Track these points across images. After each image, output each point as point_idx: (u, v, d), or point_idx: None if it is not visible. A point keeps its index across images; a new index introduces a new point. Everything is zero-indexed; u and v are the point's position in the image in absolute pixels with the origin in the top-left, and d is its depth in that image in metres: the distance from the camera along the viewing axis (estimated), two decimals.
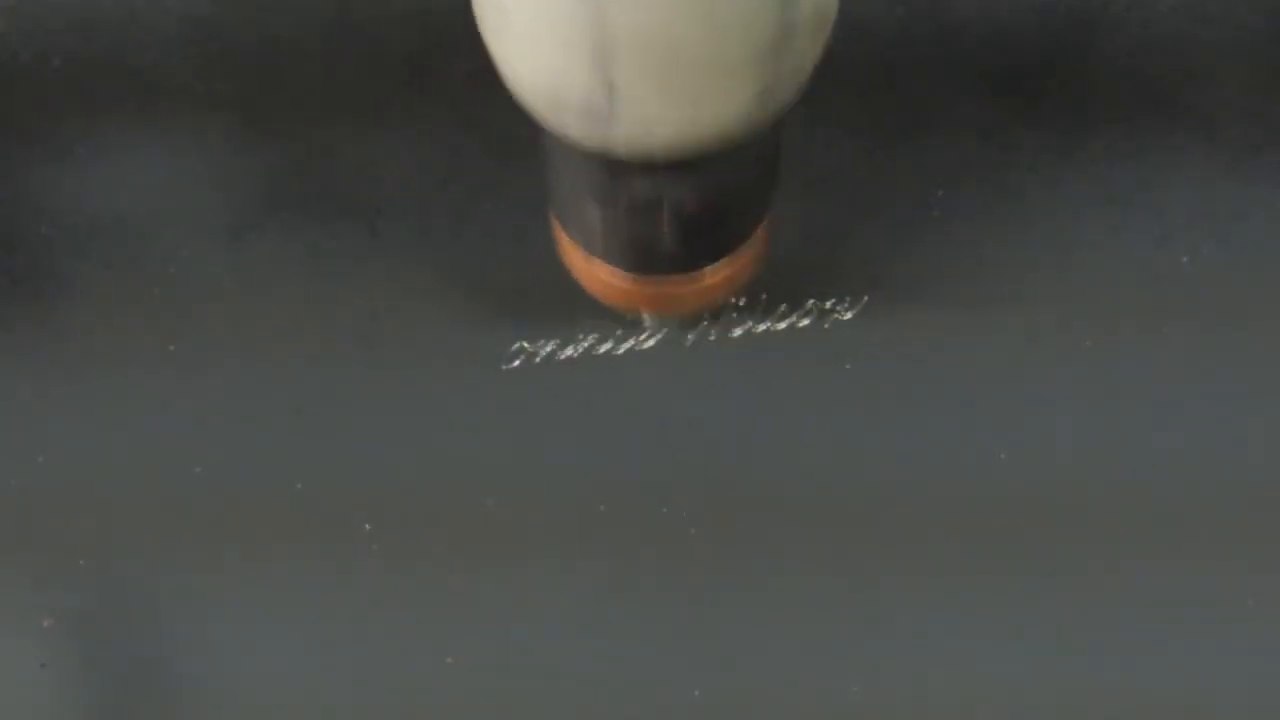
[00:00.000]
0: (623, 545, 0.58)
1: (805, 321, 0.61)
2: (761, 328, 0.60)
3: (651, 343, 0.60)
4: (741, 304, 0.60)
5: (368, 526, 0.58)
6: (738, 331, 0.60)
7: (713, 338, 0.60)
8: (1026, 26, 0.64)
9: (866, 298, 0.61)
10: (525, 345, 0.60)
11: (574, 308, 0.56)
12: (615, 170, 0.46)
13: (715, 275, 0.53)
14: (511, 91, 0.43)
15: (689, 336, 0.60)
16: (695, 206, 0.47)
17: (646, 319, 0.60)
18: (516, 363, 0.60)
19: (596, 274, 0.53)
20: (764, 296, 0.61)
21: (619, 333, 0.60)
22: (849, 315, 0.61)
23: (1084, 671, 0.56)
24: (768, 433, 0.59)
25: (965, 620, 0.57)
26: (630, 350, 0.60)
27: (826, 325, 0.61)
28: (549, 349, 0.60)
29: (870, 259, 0.62)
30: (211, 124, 0.63)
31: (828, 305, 0.61)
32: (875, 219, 0.62)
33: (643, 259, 0.51)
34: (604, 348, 0.60)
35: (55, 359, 0.60)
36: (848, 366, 0.60)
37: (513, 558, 0.58)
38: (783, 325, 0.61)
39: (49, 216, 0.62)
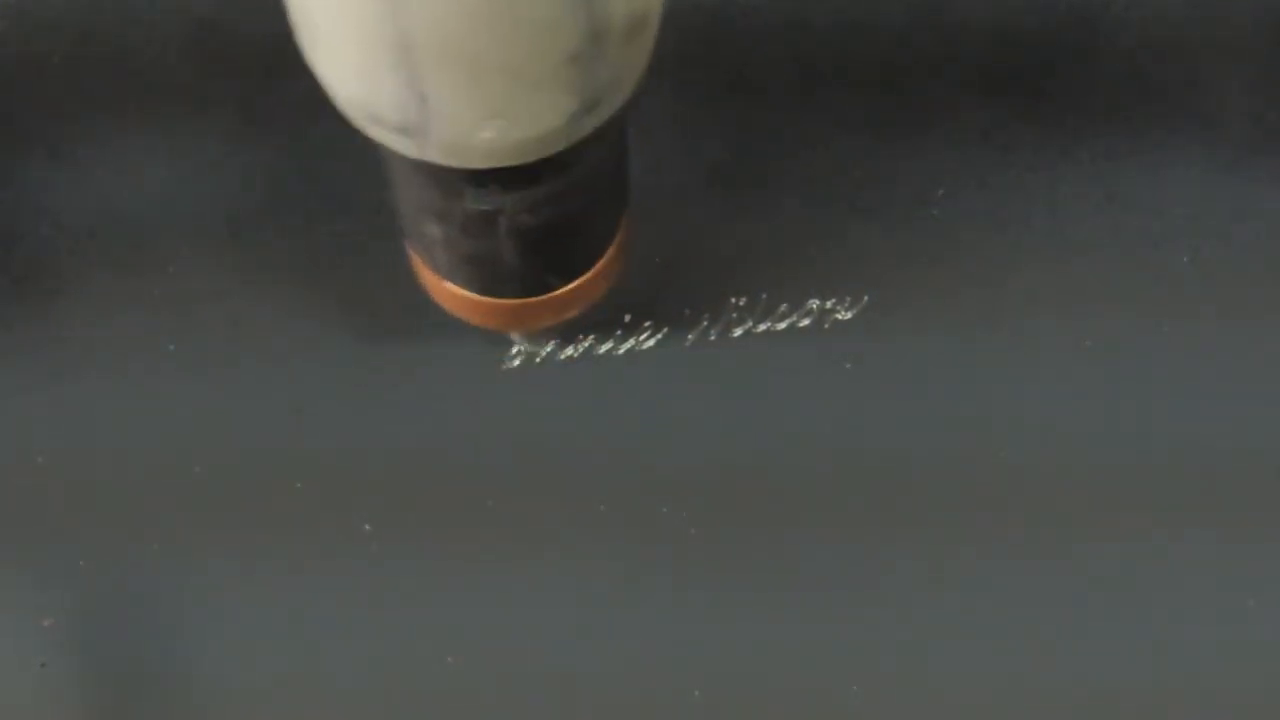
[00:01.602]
0: (623, 545, 0.58)
1: (805, 321, 0.61)
2: (761, 328, 0.60)
3: (652, 343, 0.60)
4: (741, 304, 0.60)
5: (368, 527, 0.58)
6: (738, 331, 0.60)
7: (713, 338, 0.60)
8: (1026, 26, 0.64)
9: (866, 298, 0.61)
10: (525, 345, 0.60)
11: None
12: (447, 183, 0.45)
13: (564, 291, 0.53)
14: (332, 101, 0.43)
15: (689, 337, 0.60)
16: (533, 221, 0.47)
17: (515, 337, 0.59)
18: (516, 363, 0.60)
19: (448, 290, 0.53)
20: (764, 296, 0.61)
21: (619, 333, 0.60)
22: (849, 315, 0.61)
23: (1088, 666, 0.56)
24: (768, 433, 0.59)
25: (966, 619, 0.57)
26: (630, 350, 0.60)
27: (826, 325, 0.61)
28: (549, 349, 0.60)
29: (870, 259, 0.62)
30: (211, 124, 0.63)
31: (828, 305, 0.61)
32: (875, 219, 0.62)
33: (487, 279, 0.51)
34: (604, 348, 0.60)
35: (55, 359, 0.60)
36: (848, 366, 0.60)
37: (513, 558, 0.58)
38: (783, 325, 0.61)
39: (49, 216, 0.62)
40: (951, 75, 0.64)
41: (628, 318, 0.60)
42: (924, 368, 0.60)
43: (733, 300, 0.60)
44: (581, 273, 0.53)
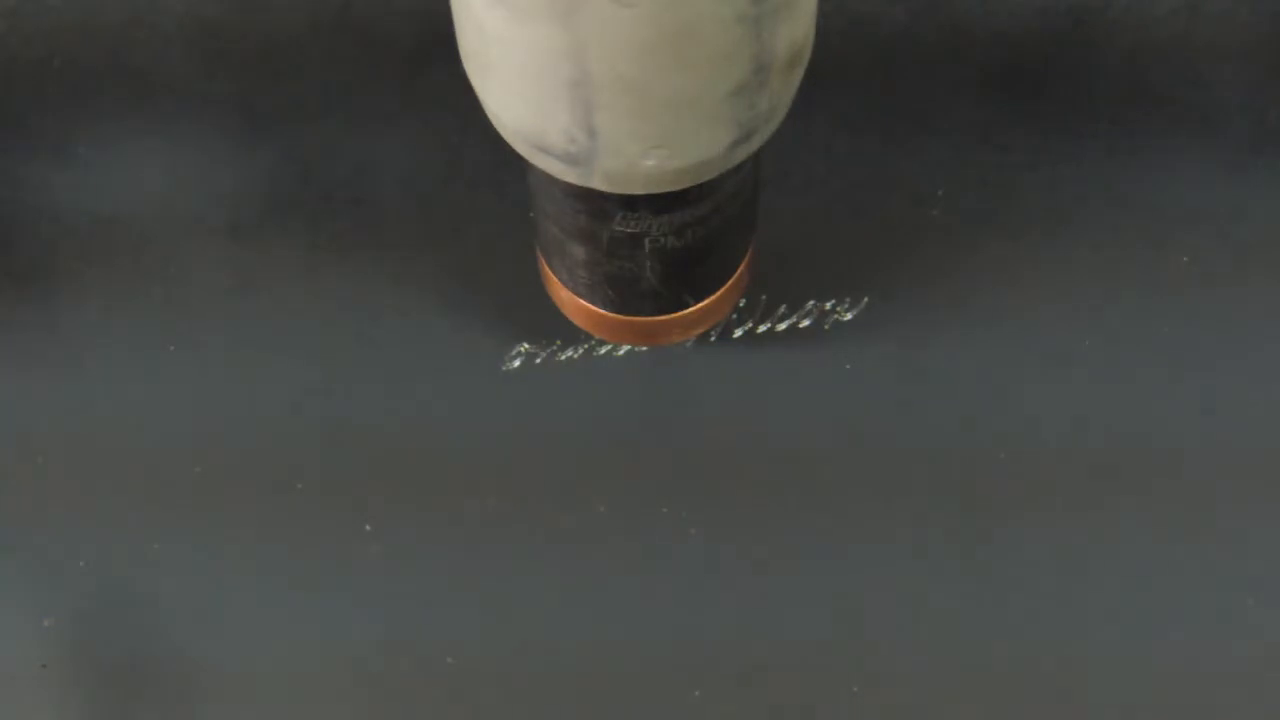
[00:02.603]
0: (623, 545, 0.58)
1: (805, 322, 0.61)
2: (762, 328, 0.60)
3: None
4: (741, 304, 0.60)
5: (368, 527, 0.58)
6: (738, 332, 0.60)
7: (713, 338, 0.60)
8: (1026, 26, 0.64)
9: (866, 298, 0.61)
10: (525, 345, 0.60)
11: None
12: (599, 207, 0.46)
13: (697, 308, 0.53)
14: (496, 127, 0.44)
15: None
16: (676, 242, 0.48)
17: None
18: (516, 363, 0.60)
19: (582, 306, 0.53)
20: (764, 297, 0.61)
21: None
22: (849, 315, 0.61)
23: (1086, 662, 0.56)
24: (768, 433, 0.59)
25: (967, 618, 0.57)
26: (630, 350, 0.60)
27: (826, 325, 0.61)
28: (549, 349, 0.60)
29: (870, 259, 0.62)
30: (211, 124, 0.63)
31: (828, 305, 0.61)
32: (875, 219, 0.62)
33: (625, 300, 0.52)
34: (604, 348, 0.60)
35: (55, 359, 0.60)
36: (848, 366, 0.60)
37: (513, 557, 0.58)
38: (783, 326, 0.61)
39: (49, 216, 0.62)
40: (951, 75, 0.64)
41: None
42: (924, 368, 0.60)
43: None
44: (714, 291, 0.54)
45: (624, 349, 0.60)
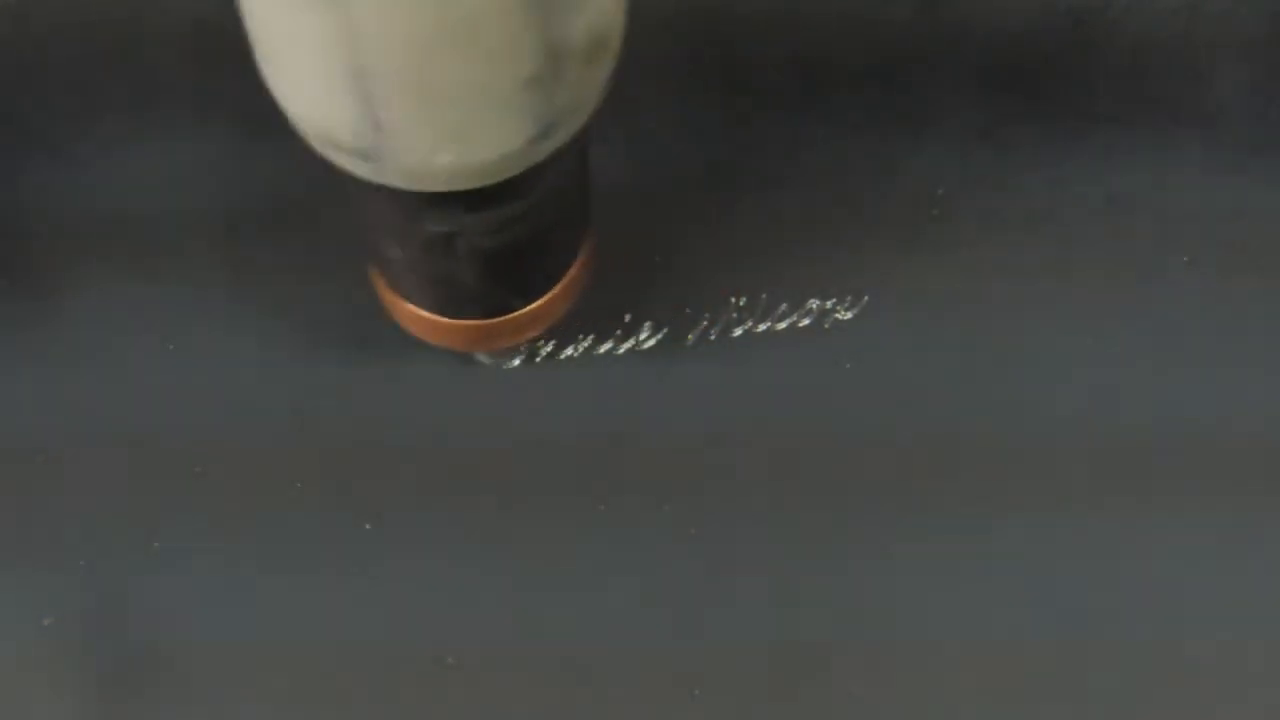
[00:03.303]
0: (623, 545, 0.58)
1: (805, 321, 0.61)
2: (761, 328, 0.60)
3: (652, 343, 0.60)
4: (742, 304, 0.60)
5: (368, 526, 0.58)
6: (738, 331, 0.60)
7: (713, 338, 0.60)
8: (1026, 26, 0.64)
9: (866, 298, 0.61)
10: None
11: (574, 307, 0.56)
12: (406, 206, 0.45)
13: (525, 311, 0.52)
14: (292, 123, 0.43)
15: (689, 336, 0.60)
16: (493, 243, 0.47)
17: (480, 356, 0.59)
18: (516, 362, 0.60)
19: (409, 310, 0.53)
20: (764, 297, 0.61)
21: (619, 333, 0.60)
22: (849, 315, 0.61)
23: (1084, 655, 0.56)
24: (768, 433, 0.59)
25: (967, 617, 0.57)
26: (630, 350, 0.60)
27: (826, 325, 0.61)
28: (549, 349, 0.60)
29: (870, 259, 0.62)
30: (211, 124, 0.63)
31: (828, 305, 0.61)
32: (875, 219, 0.62)
33: (447, 300, 0.51)
34: (604, 348, 0.60)
35: (55, 359, 0.60)
36: (848, 366, 0.60)
37: (513, 557, 0.58)
38: (783, 325, 0.61)
39: (49, 216, 0.62)
40: (951, 74, 0.64)
41: (628, 318, 0.60)
42: (924, 368, 0.60)
43: (733, 300, 0.60)
44: (542, 293, 0.53)
45: (624, 348, 0.60)
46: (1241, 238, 0.62)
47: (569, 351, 0.60)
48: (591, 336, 0.60)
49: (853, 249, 0.62)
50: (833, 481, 0.58)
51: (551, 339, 0.60)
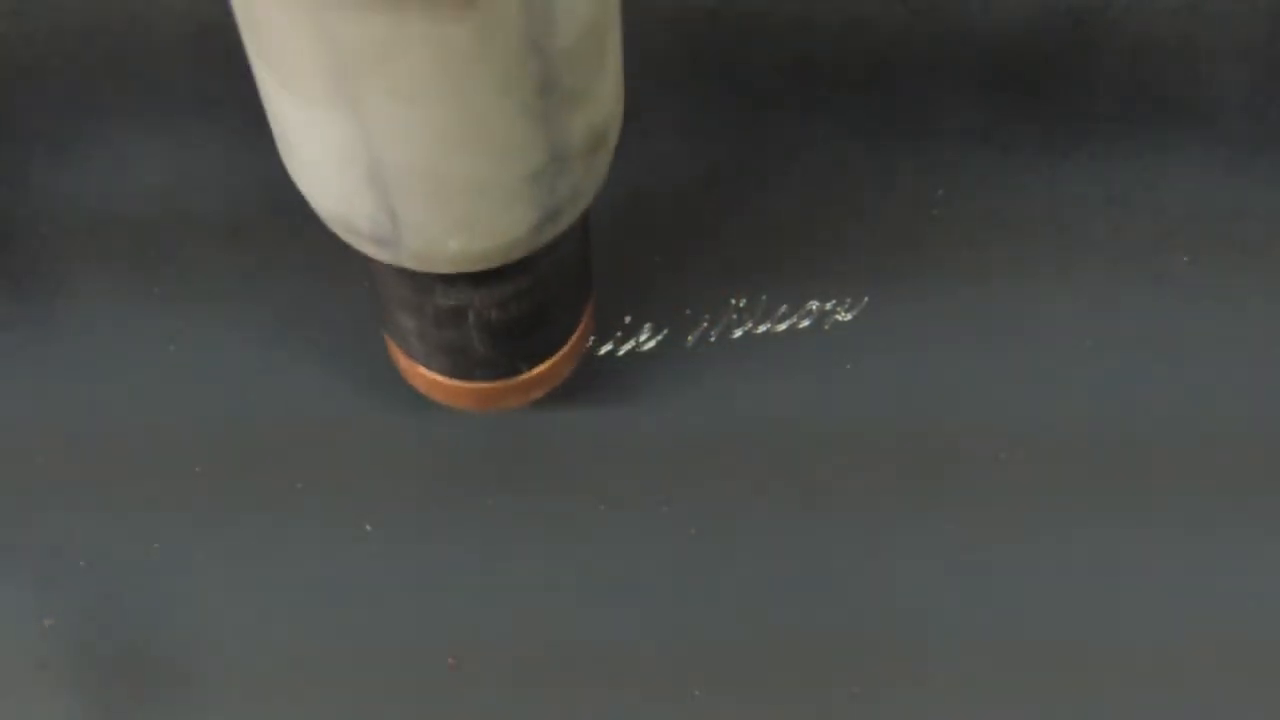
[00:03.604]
0: (623, 545, 0.58)
1: (805, 322, 0.61)
2: (761, 329, 0.60)
3: (652, 343, 0.60)
4: (742, 304, 0.60)
5: (368, 527, 0.58)
6: (738, 333, 0.60)
7: (713, 339, 0.60)
8: (1026, 26, 0.64)
9: (866, 298, 0.61)
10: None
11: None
12: (419, 282, 0.47)
13: (532, 374, 0.55)
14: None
15: (689, 337, 0.60)
16: (500, 315, 0.49)
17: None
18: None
19: (421, 373, 0.55)
20: (764, 297, 0.61)
21: (619, 333, 0.60)
22: (849, 315, 0.61)
23: (1080, 650, 0.56)
24: (768, 433, 0.59)
25: (968, 618, 0.57)
26: (631, 350, 0.60)
27: (826, 326, 0.61)
28: None
29: (870, 259, 0.62)
30: (211, 124, 0.63)
31: (828, 306, 0.61)
32: (875, 219, 0.62)
33: (458, 365, 0.53)
34: (605, 348, 0.60)
35: (55, 359, 0.60)
36: (848, 366, 0.60)
37: (513, 557, 0.58)
38: (782, 326, 0.61)
39: (49, 216, 0.62)
40: (951, 75, 0.64)
41: (628, 318, 0.60)
42: (924, 368, 0.60)
43: (733, 302, 0.60)
44: (547, 357, 0.55)
45: (624, 348, 0.60)
46: (1241, 238, 0.62)
47: None
48: (592, 337, 0.60)
49: (853, 249, 0.62)
50: (832, 482, 0.58)
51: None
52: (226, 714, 0.56)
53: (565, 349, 0.55)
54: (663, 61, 0.64)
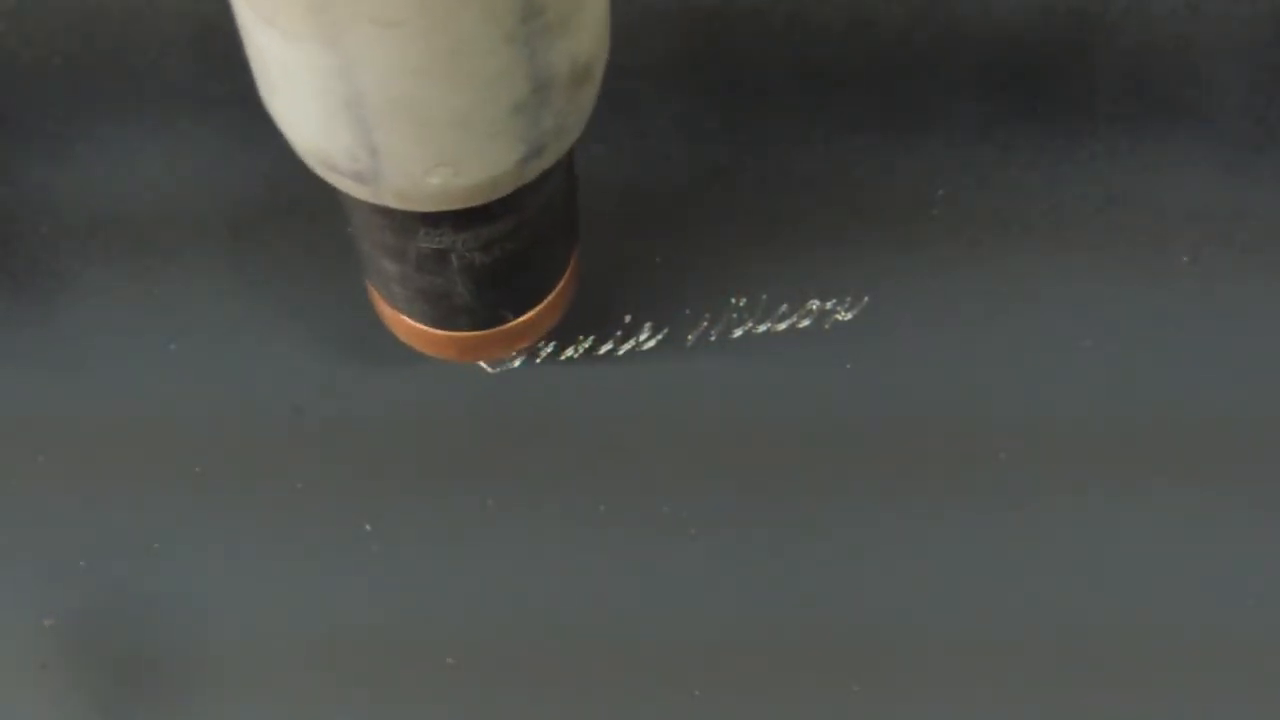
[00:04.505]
0: (623, 545, 0.58)
1: (805, 322, 0.61)
2: (761, 328, 0.60)
3: (652, 343, 0.60)
4: (742, 304, 0.60)
5: (368, 527, 0.58)
6: (738, 332, 0.60)
7: (713, 338, 0.60)
8: (1026, 26, 0.64)
9: (866, 298, 0.61)
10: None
11: (574, 308, 0.56)
12: (400, 223, 0.47)
13: (516, 323, 0.54)
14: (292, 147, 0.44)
15: (689, 337, 0.60)
16: (484, 259, 0.48)
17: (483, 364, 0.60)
18: (516, 363, 0.60)
19: (404, 322, 0.54)
20: (764, 297, 0.61)
21: (619, 333, 0.60)
22: (849, 315, 0.61)
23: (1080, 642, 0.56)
24: (767, 433, 0.59)
25: (968, 619, 0.57)
26: (630, 350, 0.60)
27: (826, 325, 0.61)
28: (549, 349, 0.60)
29: (870, 259, 0.62)
30: (211, 124, 0.63)
31: (828, 305, 0.61)
32: (875, 219, 0.62)
33: (441, 313, 0.52)
34: (604, 348, 0.60)
35: (55, 359, 0.60)
36: (848, 366, 0.60)
37: (513, 557, 0.58)
38: (783, 326, 0.61)
39: (49, 216, 0.62)
40: (951, 75, 0.64)
41: (628, 318, 0.60)
42: (924, 368, 0.60)
43: (733, 300, 0.60)
44: (533, 306, 0.54)
45: (624, 348, 0.60)
46: (1241, 238, 0.62)
47: (569, 352, 0.60)
48: (592, 337, 0.60)
49: (853, 249, 0.62)
50: (833, 482, 0.58)
51: (552, 339, 0.59)
52: (226, 714, 0.56)
53: (550, 298, 0.54)
54: (663, 61, 0.64)
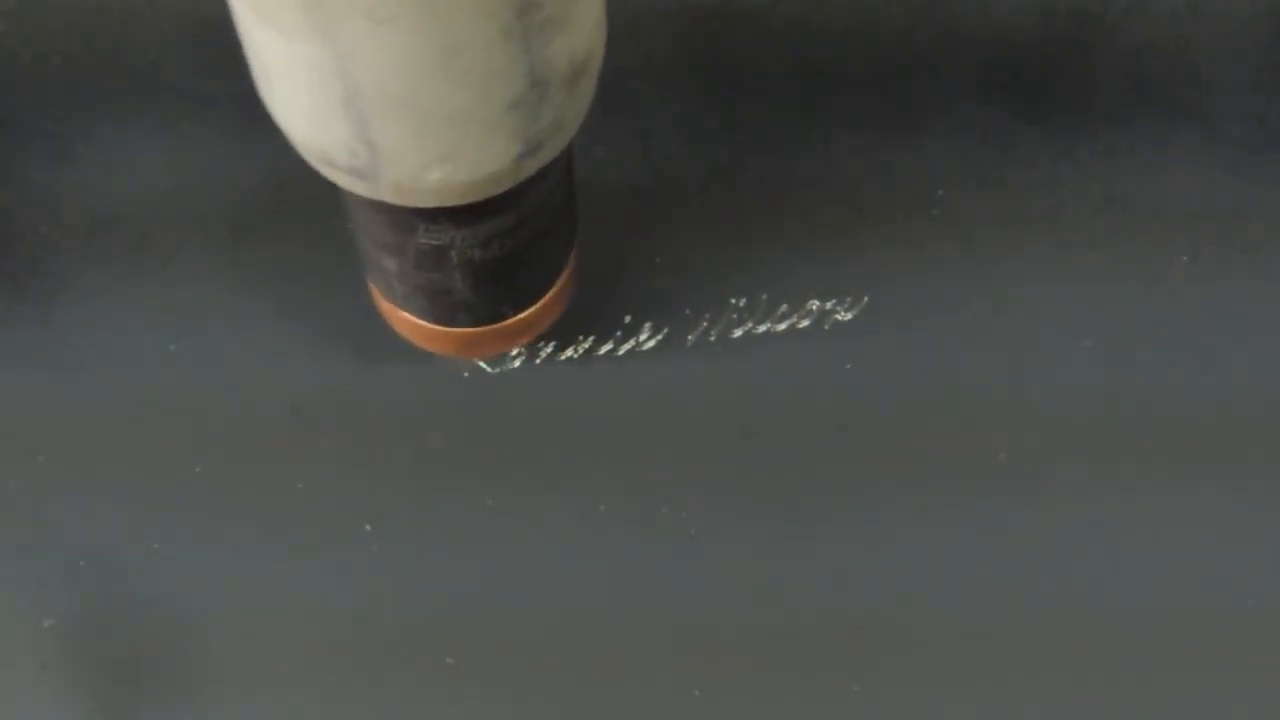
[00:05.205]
0: (623, 545, 0.58)
1: (805, 322, 0.61)
2: (761, 328, 0.60)
3: (652, 343, 0.60)
4: (741, 304, 0.60)
5: (368, 527, 0.58)
6: (738, 332, 0.60)
7: (713, 338, 0.60)
8: (1026, 26, 0.64)
9: (866, 298, 0.61)
10: (525, 345, 0.60)
11: (574, 308, 0.56)
12: (399, 220, 0.47)
13: (515, 319, 0.54)
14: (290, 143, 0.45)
15: (689, 337, 0.60)
16: (483, 255, 0.48)
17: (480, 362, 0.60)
18: (516, 363, 0.60)
19: (404, 318, 0.54)
20: (764, 297, 0.61)
21: (619, 333, 0.60)
22: (849, 315, 0.61)
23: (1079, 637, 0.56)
24: (768, 433, 0.59)
25: (968, 620, 0.57)
26: (630, 350, 0.60)
27: (826, 325, 0.61)
28: (549, 349, 0.60)
29: (870, 259, 0.62)
30: (211, 124, 0.63)
31: (828, 305, 0.61)
32: (875, 219, 0.62)
33: (440, 309, 0.52)
34: (604, 348, 0.60)
35: (55, 359, 0.60)
36: (848, 366, 0.60)
37: (513, 557, 0.58)
38: (783, 326, 0.61)
39: (49, 216, 0.62)
40: (951, 75, 0.64)
41: (628, 318, 0.60)
42: (924, 368, 0.60)
43: (733, 300, 0.60)
44: (532, 302, 0.54)
45: (624, 348, 0.60)
46: (1241, 238, 0.62)
47: (569, 352, 0.60)
48: (592, 337, 0.60)
49: (853, 249, 0.62)
50: (833, 482, 0.58)
51: (552, 340, 0.60)
52: (226, 714, 0.56)
53: (549, 295, 0.54)
54: (663, 61, 0.64)
